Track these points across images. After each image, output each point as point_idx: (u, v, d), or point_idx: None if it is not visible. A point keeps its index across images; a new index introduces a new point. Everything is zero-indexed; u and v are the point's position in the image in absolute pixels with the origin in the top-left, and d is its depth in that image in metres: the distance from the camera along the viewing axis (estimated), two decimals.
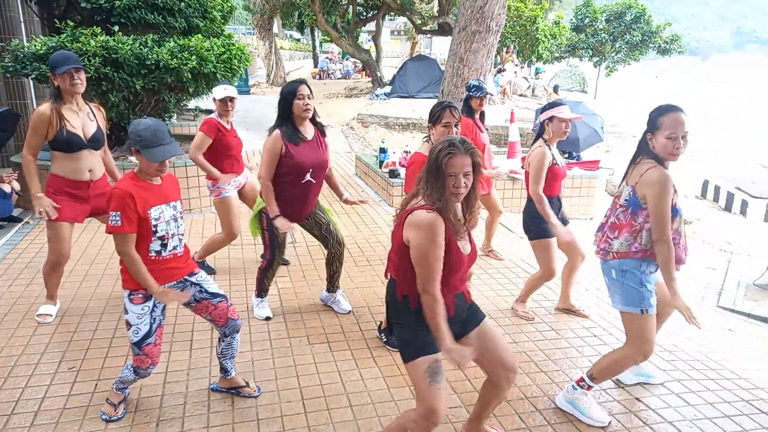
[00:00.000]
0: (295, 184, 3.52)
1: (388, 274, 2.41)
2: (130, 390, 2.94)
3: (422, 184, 2.22)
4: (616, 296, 2.82)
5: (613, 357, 2.86)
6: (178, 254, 2.69)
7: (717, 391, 3.26)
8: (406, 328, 2.29)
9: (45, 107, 3.44)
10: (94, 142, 3.60)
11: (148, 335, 2.61)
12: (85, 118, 3.58)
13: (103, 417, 2.77)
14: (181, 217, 2.70)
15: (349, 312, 3.99)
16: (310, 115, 3.46)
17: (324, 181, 3.75)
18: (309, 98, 3.42)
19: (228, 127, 4.32)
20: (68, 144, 3.47)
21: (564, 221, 3.91)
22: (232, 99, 4.24)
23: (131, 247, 2.50)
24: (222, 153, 4.29)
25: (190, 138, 7.22)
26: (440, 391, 2.20)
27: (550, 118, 3.70)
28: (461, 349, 2.16)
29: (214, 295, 2.77)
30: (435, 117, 3.32)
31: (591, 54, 23.78)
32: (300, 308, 4.07)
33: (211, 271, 4.67)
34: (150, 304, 2.60)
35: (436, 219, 2.14)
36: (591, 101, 18.20)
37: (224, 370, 2.98)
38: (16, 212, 5.72)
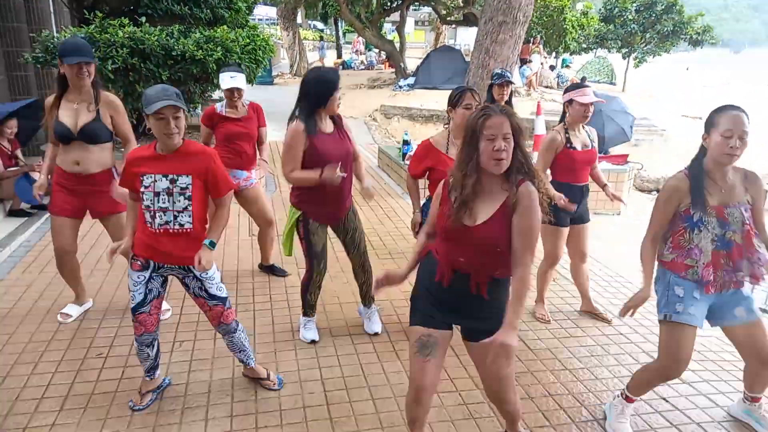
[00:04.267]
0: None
1: None
2: (170, 378, 3.02)
3: (459, 154, 2.15)
4: (657, 302, 2.69)
5: (643, 371, 2.74)
6: (171, 231, 2.56)
7: None
8: (416, 290, 2.39)
9: (51, 96, 3.34)
10: (85, 135, 3.30)
11: (141, 304, 2.63)
12: (82, 110, 3.30)
13: (129, 404, 2.83)
14: (182, 194, 2.53)
15: (377, 334, 3.65)
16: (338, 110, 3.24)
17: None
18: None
19: (235, 115, 4.13)
20: (58, 134, 3.30)
21: (582, 218, 3.80)
22: (239, 90, 4.03)
23: (133, 200, 2.68)
24: (222, 143, 4.11)
25: None
26: (423, 364, 2.23)
27: (570, 101, 3.59)
28: (385, 277, 2.39)
29: (212, 297, 2.71)
30: (455, 100, 3.23)
31: (620, 45, 23.29)
32: (322, 301, 4.06)
33: (283, 273, 4.50)
34: (146, 274, 2.63)
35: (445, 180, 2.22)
36: (622, 96, 17.84)
37: (241, 361, 3.01)
38: (46, 200, 5.84)
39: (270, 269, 4.55)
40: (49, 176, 3.54)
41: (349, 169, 3.30)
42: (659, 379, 2.68)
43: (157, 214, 2.54)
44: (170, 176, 2.52)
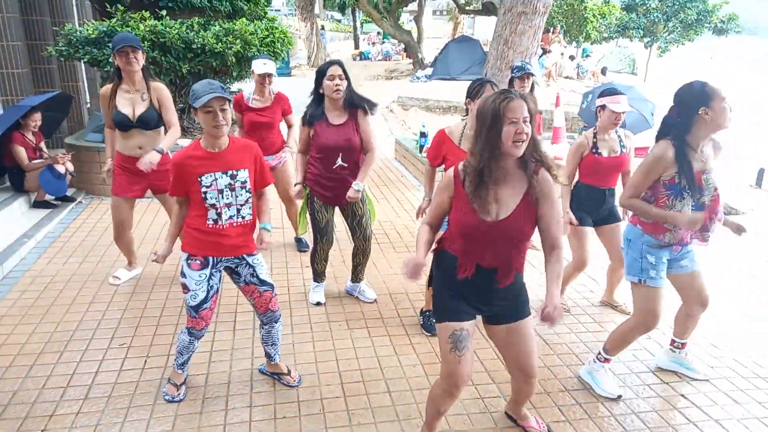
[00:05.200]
0: (328, 168, 3.53)
1: None
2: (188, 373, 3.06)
3: (473, 142, 2.14)
4: (626, 264, 2.95)
5: (621, 329, 3.02)
6: (235, 224, 2.65)
7: (767, 390, 3.15)
8: (437, 288, 2.36)
9: (106, 87, 3.72)
10: (142, 122, 3.70)
11: (204, 301, 2.68)
12: (137, 98, 3.69)
13: (166, 397, 2.87)
14: (243, 188, 2.63)
15: (374, 301, 4.01)
16: (340, 96, 3.38)
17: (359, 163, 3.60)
18: (340, 79, 3.34)
19: (257, 104, 4.42)
20: (118, 123, 3.69)
21: (608, 218, 3.78)
22: (270, 75, 4.36)
23: (179, 204, 2.73)
24: (248, 129, 4.47)
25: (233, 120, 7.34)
26: (461, 358, 2.24)
27: (603, 107, 3.56)
28: (415, 264, 2.15)
29: (263, 282, 2.79)
30: (474, 92, 3.23)
31: (642, 34, 22.85)
32: (339, 293, 4.12)
33: (305, 248, 4.86)
34: (207, 271, 2.67)
35: (450, 172, 2.22)
36: (642, 85, 17.53)
37: (267, 355, 3.05)
38: (69, 192, 5.95)
39: (298, 241, 5.02)
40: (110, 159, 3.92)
41: (350, 159, 3.54)
42: (640, 333, 2.94)
43: (223, 210, 2.61)
44: (230, 172, 2.60)
